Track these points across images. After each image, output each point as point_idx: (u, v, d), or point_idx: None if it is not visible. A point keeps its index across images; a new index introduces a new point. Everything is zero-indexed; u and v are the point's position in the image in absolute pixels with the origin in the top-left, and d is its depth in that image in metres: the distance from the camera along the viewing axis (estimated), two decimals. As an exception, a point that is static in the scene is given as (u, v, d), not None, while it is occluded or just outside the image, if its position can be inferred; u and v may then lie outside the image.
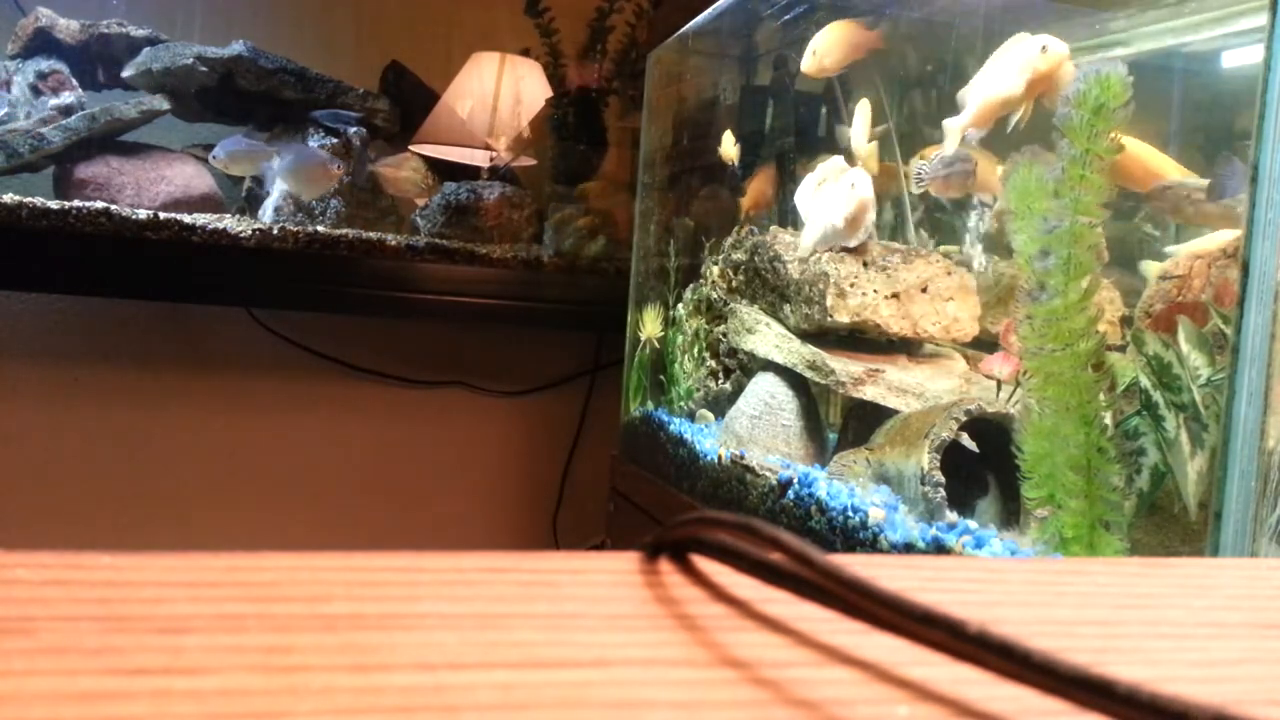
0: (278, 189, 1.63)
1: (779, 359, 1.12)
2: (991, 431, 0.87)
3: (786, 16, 1.46)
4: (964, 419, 0.86)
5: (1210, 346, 0.71)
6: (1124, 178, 0.81)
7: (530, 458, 1.88)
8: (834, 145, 1.23)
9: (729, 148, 1.41)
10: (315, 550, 0.25)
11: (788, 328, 1.15)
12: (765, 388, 1.14)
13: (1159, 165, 0.86)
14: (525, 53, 1.78)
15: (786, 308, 1.15)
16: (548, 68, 1.77)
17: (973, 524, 0.84)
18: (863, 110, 1.14)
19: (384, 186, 1.71)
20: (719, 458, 1.13)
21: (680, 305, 1.41)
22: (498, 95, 1.73)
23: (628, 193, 1.74)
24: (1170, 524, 0.73)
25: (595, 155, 1.80)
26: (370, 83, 1.76)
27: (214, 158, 1.57)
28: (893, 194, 1.21)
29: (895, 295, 1.06)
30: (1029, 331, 0.72)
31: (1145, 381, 0.73)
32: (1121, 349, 0.81)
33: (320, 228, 1.57)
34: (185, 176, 1.60)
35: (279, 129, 1.68)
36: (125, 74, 1.60)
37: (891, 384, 1.02)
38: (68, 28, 1.58)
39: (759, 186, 1.38)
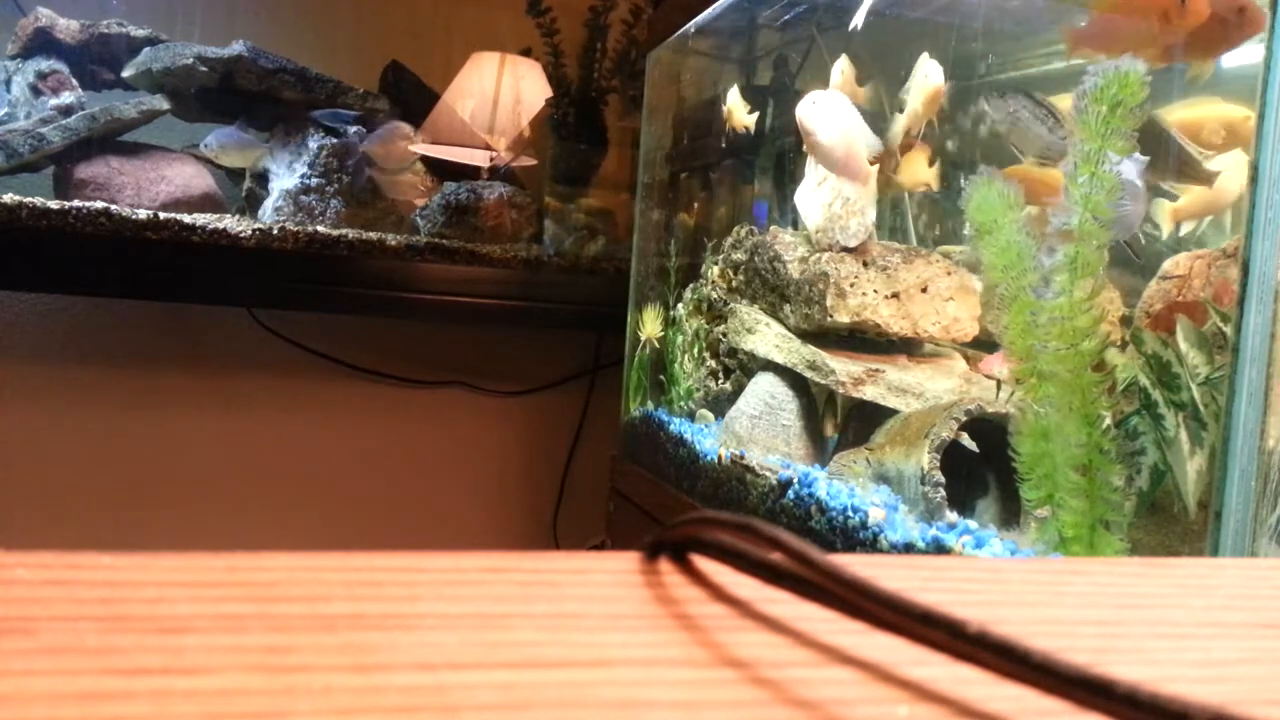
0: (276, 187, 1.63)
1: (779, 359, 1.12)
2: (991, 431, 0.87)
3: (786, 16, 1.46)
4: (964, 419, 0.86)
5: (1209, 345, 0.71)
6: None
7: (530, 458, 1.88)
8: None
9: (740, 114, 1.33)
10: (315, 550, 0.25)
11: (788, 328, 1.15)
12: (765, 388, 1.14)
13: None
14: (525, 53, 1.78)
15: (786, 308, 1.15)
16: (548, 68, 1.77)
17: (973, 524, 0.84)
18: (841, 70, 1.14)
19: (383, 191, 1.71)
20: (719, 458, 1.13)
21: (680, 305, 1.41)
22: (498, 95, 1.73)
23: (628, 193, 1.74)
24: (1170, 524, 0.73)
25: (595, 155, 1.80)
26: (370, 83, 1.76)
27: (205, 146, 1.57)
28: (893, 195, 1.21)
29: (895, 295, 1.06)
30: (1017, 335, 0.72)
31: (1144, 380, 0.73)
32: (1122, 348, 0.81)
33: (320, 228, 1.57)
34: (185, 176, 1.60)
35: (279, 129, 1.68)
36: (125, 74, 1.60)
37: (891, 384, 1.02)
38: (68, 28, 1.58)
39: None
